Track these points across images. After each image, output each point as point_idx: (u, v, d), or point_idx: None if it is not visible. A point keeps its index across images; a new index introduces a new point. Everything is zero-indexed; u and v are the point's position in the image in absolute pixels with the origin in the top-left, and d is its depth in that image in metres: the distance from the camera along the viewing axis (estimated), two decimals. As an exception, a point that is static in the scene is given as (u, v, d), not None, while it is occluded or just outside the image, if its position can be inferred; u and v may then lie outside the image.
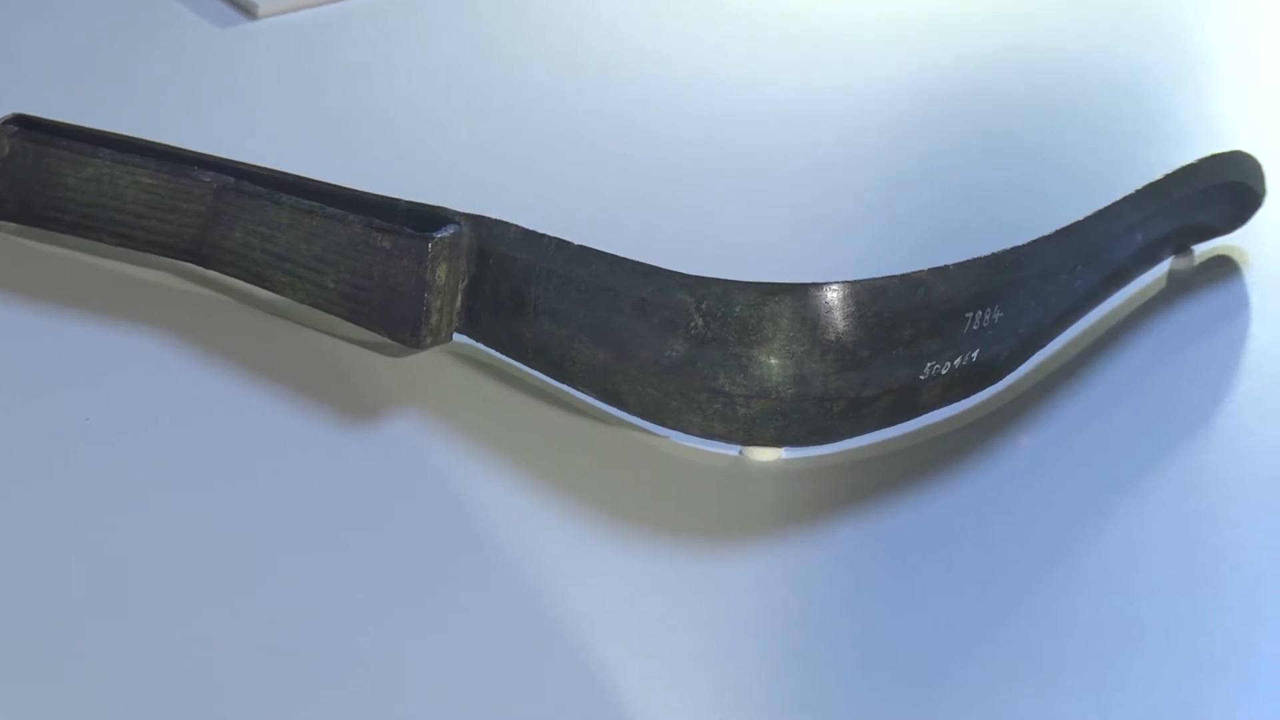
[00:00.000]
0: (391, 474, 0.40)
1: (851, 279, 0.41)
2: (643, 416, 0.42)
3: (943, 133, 0.57)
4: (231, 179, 0.45)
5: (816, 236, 0.51)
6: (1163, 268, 0.49)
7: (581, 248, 0.42)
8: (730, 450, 0.42)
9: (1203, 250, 0.50)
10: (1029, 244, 0.43)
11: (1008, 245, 0.42)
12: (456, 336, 0.43)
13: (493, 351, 0.44)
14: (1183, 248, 0.49)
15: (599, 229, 0.47)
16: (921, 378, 0.41)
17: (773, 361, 0.40)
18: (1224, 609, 0.38)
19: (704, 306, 0.40)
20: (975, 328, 0.42)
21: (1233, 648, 0.37)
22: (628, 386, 0.41)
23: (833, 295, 0.40)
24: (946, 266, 0.41)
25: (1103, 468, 0.42)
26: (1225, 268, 0.50)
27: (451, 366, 0.44)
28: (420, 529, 0.39)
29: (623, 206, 0.52)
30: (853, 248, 0.50)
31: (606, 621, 0.37)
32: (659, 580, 0.38)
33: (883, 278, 0.41)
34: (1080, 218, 0.44)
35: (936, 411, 0.43)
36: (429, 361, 0.44)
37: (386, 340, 0.44)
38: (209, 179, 0.45)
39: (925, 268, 0.41)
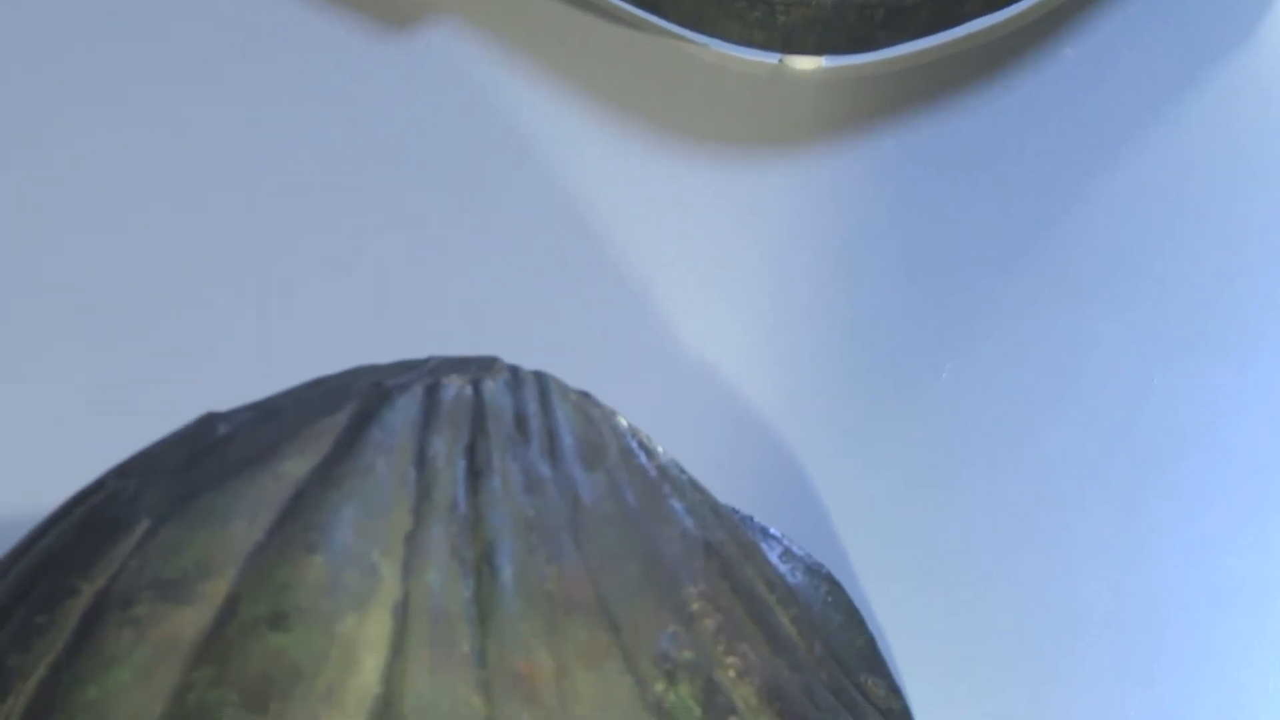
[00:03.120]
0: (426, 79, 0.40)
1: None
2: (681, 24, 0.41)
3: None
4: None
5: None
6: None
7: None
8: (770, 58, 0.41)
9: None
10: None
11: None
12: (492, -59, 0.43)
13: (529, -43, 0.43)
14: None
15: None
16: (965, -15, 0.41)
17: (814, -32, 0.40)
18: (1265, 219, 0.38)
19: (744, -89, 0.40)
20: (1021, -66, 0.41)
21: (1272, 256, 0.37)
22: (666, -7, 0.41)
23: (876, -101, 0.40)
24: None
25: (1148, 77, 0.42)
26: (1278, -128, 0.49)
27: (487, -28, 0.43)
28: (455, 135, 0.39)
29: None
30: None
31: (645, 228, 0.37)
32: (697, 186, 0.38)
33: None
34: None
35: (979, 20, 0.42)
36: (464, -33, 0.44)
37: (421, -55, 0.44)
38: None
39: None
